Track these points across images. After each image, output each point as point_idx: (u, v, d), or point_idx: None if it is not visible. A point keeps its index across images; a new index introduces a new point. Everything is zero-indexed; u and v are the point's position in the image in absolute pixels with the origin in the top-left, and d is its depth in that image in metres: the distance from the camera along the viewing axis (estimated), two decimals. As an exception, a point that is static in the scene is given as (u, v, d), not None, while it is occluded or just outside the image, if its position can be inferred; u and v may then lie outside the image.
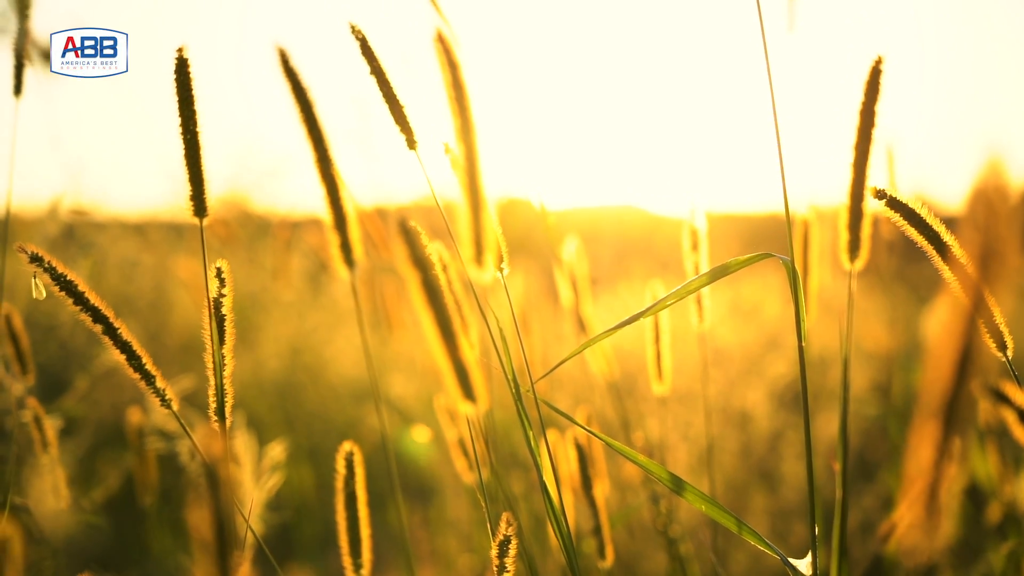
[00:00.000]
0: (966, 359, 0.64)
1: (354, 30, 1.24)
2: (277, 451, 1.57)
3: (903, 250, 2.42)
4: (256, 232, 3.89)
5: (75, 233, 2.20)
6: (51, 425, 1.46)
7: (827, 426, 2.45)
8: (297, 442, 2.44)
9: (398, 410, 2.39)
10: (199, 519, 0.71)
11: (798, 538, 2.41)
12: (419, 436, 2.29)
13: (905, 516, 0.66)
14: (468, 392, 0.94)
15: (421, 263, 0.92)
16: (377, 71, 1.24)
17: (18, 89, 1.45)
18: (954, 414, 0.65)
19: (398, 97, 1.24)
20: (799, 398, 2.64)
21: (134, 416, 1.74)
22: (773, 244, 5.17)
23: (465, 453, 1.59)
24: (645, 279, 3.41)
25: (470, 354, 0.93)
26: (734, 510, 2.07)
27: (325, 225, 1.01)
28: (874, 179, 1.10)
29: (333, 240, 1.00)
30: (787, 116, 1.17)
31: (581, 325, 1.71)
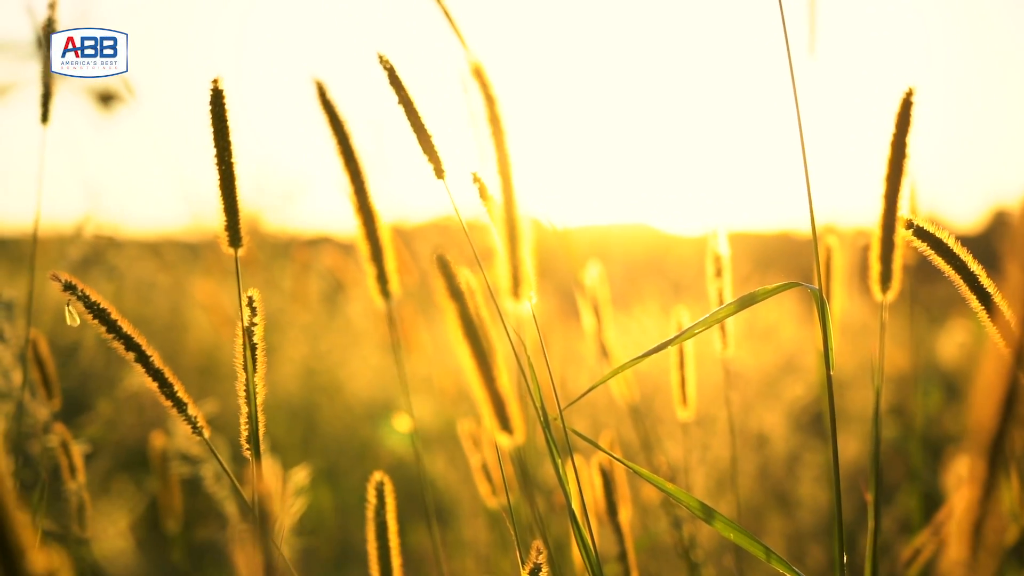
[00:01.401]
0: (1011, 399, 0.65)
1: (382, 60, 1.25)
2: (301, 475, 1.57)
3: (916, 270, 2.43)
4: (273, 253, 3.91)
5: (97, 256, 2.21)
6: (78, 451, 1.46)
7: (844, 448, 2.46)
8: (314, 463, 2.45)
9: (416, 431, 2.39)
10: (247, 558, 0.71)
11: (814, 560, 2.41)
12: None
13: (952, 553, 0.67)
14: (505, 423, 0.94)
15: (458, 295, 0.92)
16: (405, 101, 1.25)
17: (45, 117, 1.46)
18: (1000, 453, 0.65)
19: (426, 127, 1.25)
20: (816, 420, 2.65)
21: (158, 440, 1.75)
22: (785, 264, 5.17)
23: (489, 478, 1.60)
24: (659, 300, 3.41)
25: (507, 385, 0.94)
26: (751, 532, 2.07)
27: (361, 256, 1.01)
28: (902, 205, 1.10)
29: (370, 271, 1.01)
30: (805, 136, 1.18)
31: (604, 351, 1.72)
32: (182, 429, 1.77)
